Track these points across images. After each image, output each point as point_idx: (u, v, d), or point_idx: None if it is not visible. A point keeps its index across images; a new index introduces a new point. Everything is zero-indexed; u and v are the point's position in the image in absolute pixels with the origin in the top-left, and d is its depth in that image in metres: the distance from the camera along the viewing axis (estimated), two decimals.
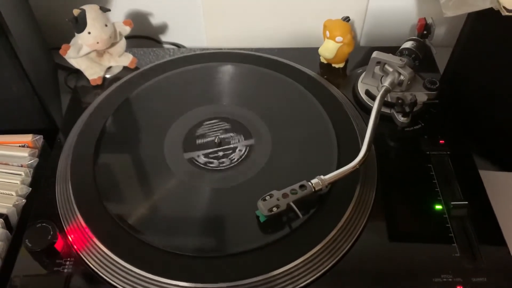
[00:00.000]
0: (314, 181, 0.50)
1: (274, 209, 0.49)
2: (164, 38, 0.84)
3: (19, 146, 0.60)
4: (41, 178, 0.57)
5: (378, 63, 0.63)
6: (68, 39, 0.66)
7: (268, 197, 0.49)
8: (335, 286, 0.47)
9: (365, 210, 0.53)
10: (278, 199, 0.49)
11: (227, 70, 0.68)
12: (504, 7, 0.49)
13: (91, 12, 0.63)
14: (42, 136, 0.62)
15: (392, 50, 0.65)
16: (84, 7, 0.64)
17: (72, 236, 0.51)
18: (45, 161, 0.60)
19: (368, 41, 0.84)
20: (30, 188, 0.57)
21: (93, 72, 0.67)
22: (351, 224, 0.51)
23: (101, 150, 0.58)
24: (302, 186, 0.50)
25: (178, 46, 0.84)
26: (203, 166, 0.56)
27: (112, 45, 0.68)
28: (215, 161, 0.57)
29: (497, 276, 0.48)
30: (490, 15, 0.54)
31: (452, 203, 0.53)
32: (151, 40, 0.83)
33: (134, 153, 0.58)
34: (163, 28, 0.83)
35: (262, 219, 0.50)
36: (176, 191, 0.54)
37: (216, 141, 0.58)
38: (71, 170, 0.55)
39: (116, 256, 0.48)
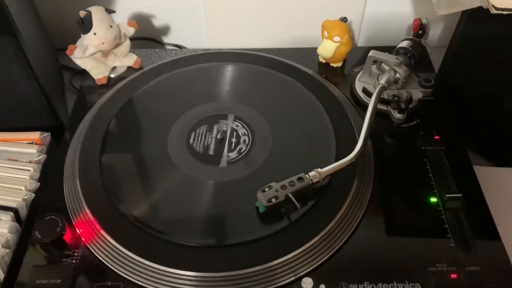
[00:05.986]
0: (311, 173, 0.52)
1: (273, 200, 0.50)
2: (166, 39, 0.86)
3: (28, 143, 0.62)
4: (49, 174, 0.58)
5: (375, 61, 0.65)
6: (72, 40, 0.68)
7: (267, 188, 0.51)
8: (333, 276, 0.48)
9: (362, 203, 0.54)
10: (277, 190, 0.50)
11: (228, 69, 0.70)
12: (492, 5, 0.51)
13: (97, 13, 0.65)
14: (49, 133, 0.63)
15: (389, 49, 0.66)
16: (89, 8, 0.65)
17: (80, 228, 0.52)
18: (52, 157, 0.61)
19: (366, 41, 0.85)
20: (39, 183, 0.58)
21: (98, 72, 0.69)
22: (349, 216, 0.52)
23: (107, 146, 0.59)
24: (300, 178, 0.51)
25: (180, 47, 0.85)
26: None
27: (117, 45, 0.69)
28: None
29: (489, 265, 0.49)
30: (482, 15, 0.55)
31: (446, 195, 0.54)
32: (153, 42, 0.84)
33: (139, 149, 0.60)
34: (165, 30, 0.84)
35: (261, 210, 0.51)
36: (179, 185, 0.56)
37: (218, 137, 0.60)
38: (78, 165, 0.57)
39: (123, 247, 0.49)
